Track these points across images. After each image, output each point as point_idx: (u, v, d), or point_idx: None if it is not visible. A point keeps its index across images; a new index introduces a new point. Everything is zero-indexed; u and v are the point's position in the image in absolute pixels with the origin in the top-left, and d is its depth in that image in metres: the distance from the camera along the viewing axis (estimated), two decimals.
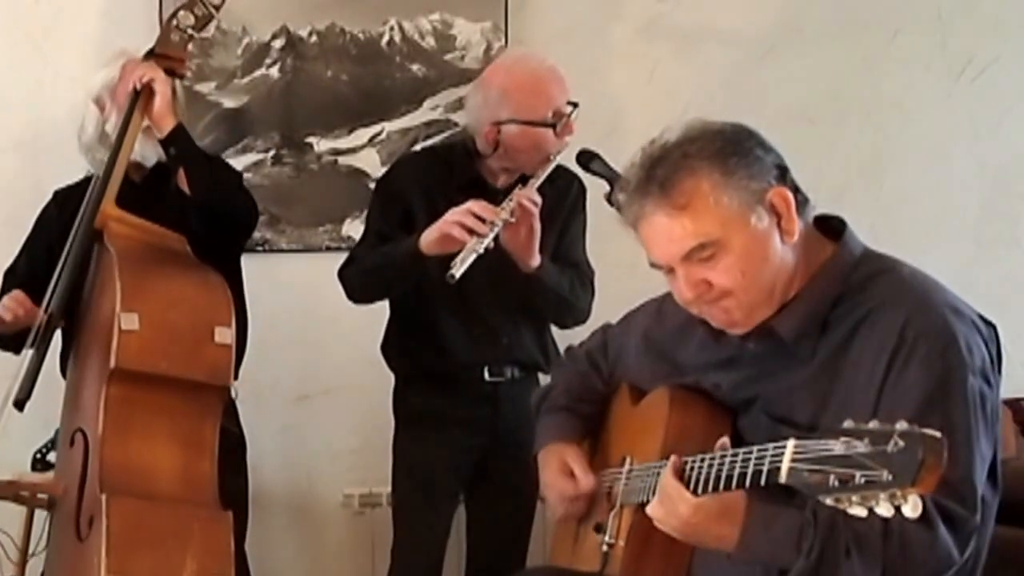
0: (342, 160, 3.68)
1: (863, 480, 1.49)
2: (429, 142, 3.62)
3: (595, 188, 2.90)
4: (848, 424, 1.55)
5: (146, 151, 2.95)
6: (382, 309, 3.11)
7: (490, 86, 2.94)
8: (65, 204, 3.04)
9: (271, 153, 3.65)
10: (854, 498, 1.51)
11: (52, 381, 2.91)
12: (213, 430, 2.75)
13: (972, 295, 1.97)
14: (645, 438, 2.12)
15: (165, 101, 2.87)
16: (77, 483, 2.69)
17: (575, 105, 2.92)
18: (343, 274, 3.04)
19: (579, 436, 2.38)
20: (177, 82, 3.00)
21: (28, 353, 2.78)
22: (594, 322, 2.83)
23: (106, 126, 2.98)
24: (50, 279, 2.85)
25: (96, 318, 2.78)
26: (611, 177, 2.66)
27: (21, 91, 3.55)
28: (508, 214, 2.77)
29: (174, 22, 2.96)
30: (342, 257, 3.09)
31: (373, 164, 3.66)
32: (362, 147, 3.68)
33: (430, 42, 3.69)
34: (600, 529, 2.18)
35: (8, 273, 3.09)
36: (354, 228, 3.58)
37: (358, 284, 3.02)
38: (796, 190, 1.93)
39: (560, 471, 2.31)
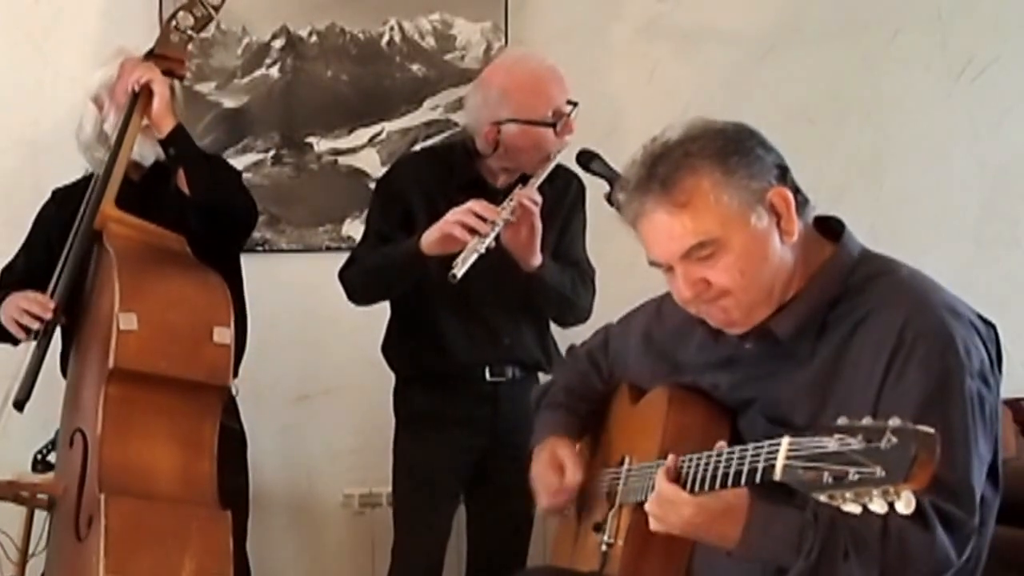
0: (342, 160, 3.67)
1: (857, 477, 1.50)
2: (429, 142, 3.62)
3: (595, 188, 2.89)
4: (842, 421, 1.55)
5: (144, 150, 2.95)
6: (382, 309, 3.11)
7: (490, 86, 2.94)
8: (64, 203, 3.04)
9: (271, 153, 3.65)
10: (848, 495, 1.51)
11: (52, 381, 2.91)
12: (212, 430, 2.75)
13: (972, 295, 1.97)
14: (644, 437, 2.12)
15: (164, 101, 2.87)
16: (76, 483, 2.69)
17: (575, 104, 2.92)
18: (344, 275, 3.04)
19: (575, 433, 2.37)
20: (176, 82, 3.00)
21: (28, 353, 2.78)
22: (594, 321, 2.83)
23: (104, 125, 2.98)
24: (48, 278, 2.86)
25: (95, 318, 2.78)
26: (611, 177, 2.66)
27: (21, 91, 3.55)
28: (509, 213, 2.77)
29: (173, 23, 2.96)
30: (342, 257, 3.09)
31: (373, 164, 3.66)
32: (362, 147, 3.67)
33: (430, 42, 3.69)
34: (599, 529, 2.17)
35: (6, 271, 3.09)
36: (354, 228, 3.58)
37: (359, 285, 3.02)
38: (796, 190, 1.93)
39: (549, 464, 2.31)
